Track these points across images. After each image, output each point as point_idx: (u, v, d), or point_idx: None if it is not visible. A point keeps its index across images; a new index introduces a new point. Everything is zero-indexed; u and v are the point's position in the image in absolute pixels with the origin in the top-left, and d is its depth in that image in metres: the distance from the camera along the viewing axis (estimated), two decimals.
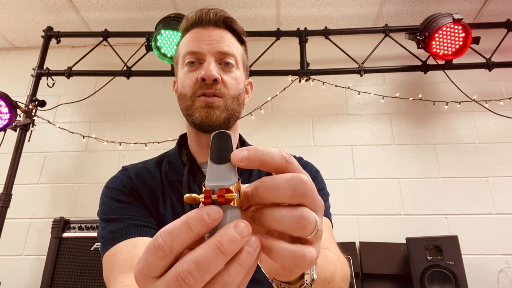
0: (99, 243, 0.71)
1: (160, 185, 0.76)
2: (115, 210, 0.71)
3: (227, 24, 0.77)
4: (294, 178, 0.29)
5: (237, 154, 0.29)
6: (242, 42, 0.81)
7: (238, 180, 0.29)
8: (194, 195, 0.28)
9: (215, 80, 0.71)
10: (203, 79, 0.71)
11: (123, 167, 0.81)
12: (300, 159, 0.87)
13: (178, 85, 0.78)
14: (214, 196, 0.28)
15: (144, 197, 0.74)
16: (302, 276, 0.37)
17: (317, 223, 0.29)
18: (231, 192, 0.28)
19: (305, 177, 0.29)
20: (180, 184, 0.75)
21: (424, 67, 2.23)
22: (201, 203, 0.28)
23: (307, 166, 0.85)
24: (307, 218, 0.29)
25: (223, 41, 0.75)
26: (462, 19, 2.00)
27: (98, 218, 0.74)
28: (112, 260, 0.64)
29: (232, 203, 0.28)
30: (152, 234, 0.67)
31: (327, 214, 0.78)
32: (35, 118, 2.13)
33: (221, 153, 0.29)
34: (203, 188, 0.28)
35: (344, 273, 0.57)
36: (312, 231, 0.29)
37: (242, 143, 0.86)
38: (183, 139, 0.85)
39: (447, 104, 2.27)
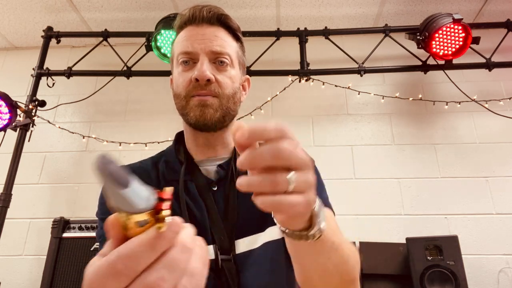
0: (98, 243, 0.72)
1: (156, 185, 0.76)
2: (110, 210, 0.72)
3: (221, 21, 0.76)
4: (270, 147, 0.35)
5: (239, 138, 0.36)
6: (237, 39, 0.80)
7: None
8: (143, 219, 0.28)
9: (209, 80, 0.71)
10: (197, 80, 0.71)
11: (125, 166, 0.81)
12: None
13: (174, 84, 0.78)
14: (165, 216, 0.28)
15: None
16: (310, 225, 0.44)
17: (290, 180, 0.36)
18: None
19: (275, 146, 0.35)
20: (177, 183, 0.75)
21: (424, 67, 2.23)
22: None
23: None
24: (272, 180, 0.35)
25: (217, 40, 0.73)
26: (462, 19, 2.00)
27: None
28: None
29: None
30: None
31: (327, 204, 0.77)
32: (35, 118, 2.13)
33: (124, 175, 0.27)
34: (133, 216, 0.28)
35: (355, 256, 0.59)
36: (286, 186, 0.36)
37: None
38: (180, 136, 0.84)
39: (447, 104, 2.27)
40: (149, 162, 0.81)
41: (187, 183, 0.74)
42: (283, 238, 0.73)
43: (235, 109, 0.76)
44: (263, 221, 0.72)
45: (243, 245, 0.70)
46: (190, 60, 0.73)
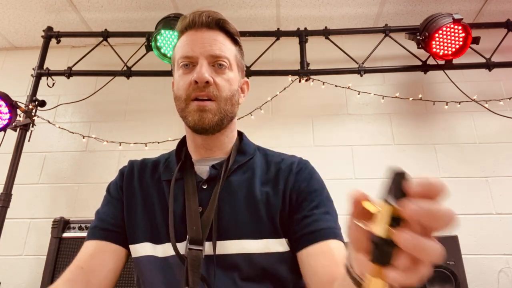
0: None
1: (146, 185, 0.80)
2: (103, 205, 0.82)
3: (220, 25, 0.79)
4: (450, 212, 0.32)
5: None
6: (236, 42, 0.82)
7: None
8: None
9: (207, 82, 0.73)
10: (196, 82, 0.73)
11: (129, 161, 0.87)
12: (305, 162, 0.84)
13: (174, 86, 0.80)
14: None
15: (125, 196, 0.80)
16: None
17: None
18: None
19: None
20: (168, 183, 0.78)
21: (424, 67, 2.23)
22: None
23: (304, 170, 0.81)
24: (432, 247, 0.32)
25: (216, 44, 0.76)
26: (462, 19, 2.00)
27: None
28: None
29: None
30: (113, 239, 0.75)
31: (337, 235, 0.73)
32: (35, 118, 2.13)
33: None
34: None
35: None
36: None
37: (241, 140, 0.87)
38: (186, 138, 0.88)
39: (447, 104, 2.27)
40: (151, 162, 0.86)
41: (177, 182, 0.77)
42: (288, 252, 0.71)
43: (232, 111, 0.79)
44: (257, 228, 0.71)
45: (227, 247, 0.69)
46: (190, 63, 0.76)
